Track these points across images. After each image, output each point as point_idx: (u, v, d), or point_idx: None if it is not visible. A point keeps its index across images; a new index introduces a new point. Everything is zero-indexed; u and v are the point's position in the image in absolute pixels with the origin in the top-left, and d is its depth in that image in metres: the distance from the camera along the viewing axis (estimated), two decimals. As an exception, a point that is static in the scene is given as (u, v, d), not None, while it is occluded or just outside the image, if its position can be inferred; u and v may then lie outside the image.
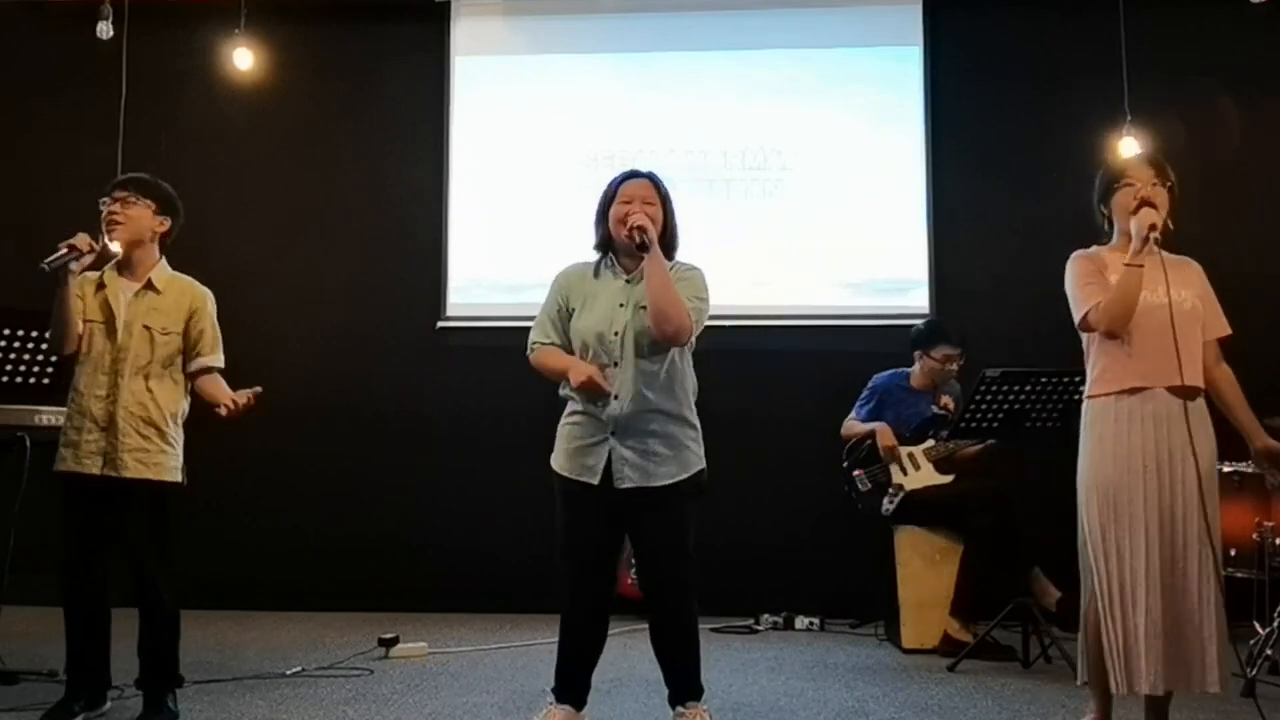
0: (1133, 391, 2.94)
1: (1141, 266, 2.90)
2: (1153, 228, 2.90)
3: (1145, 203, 2.96)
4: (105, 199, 3.34)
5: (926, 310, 5.62)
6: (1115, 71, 5.40)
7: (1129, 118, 5.33)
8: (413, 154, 5.97)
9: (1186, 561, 2.85)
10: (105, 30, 5.30)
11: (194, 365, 3.40)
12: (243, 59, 5.55)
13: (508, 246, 5.90)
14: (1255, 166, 5.52)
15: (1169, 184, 3.05)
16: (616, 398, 3.03)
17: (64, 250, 3.16)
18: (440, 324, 5.89)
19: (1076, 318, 3.02)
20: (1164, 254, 3.03)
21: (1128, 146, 5.27)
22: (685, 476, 3.09)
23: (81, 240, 3.20)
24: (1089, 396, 3.04)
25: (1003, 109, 5.72)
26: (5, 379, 3.74)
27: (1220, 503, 4.24)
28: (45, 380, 3.75)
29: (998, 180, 5.62)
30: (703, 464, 3.15)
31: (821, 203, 5.79)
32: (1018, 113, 5.67)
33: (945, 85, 5.80)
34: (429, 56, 6.02)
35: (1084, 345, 3.09)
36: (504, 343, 5.80)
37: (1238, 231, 5.42)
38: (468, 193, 5.96)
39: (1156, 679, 2.82)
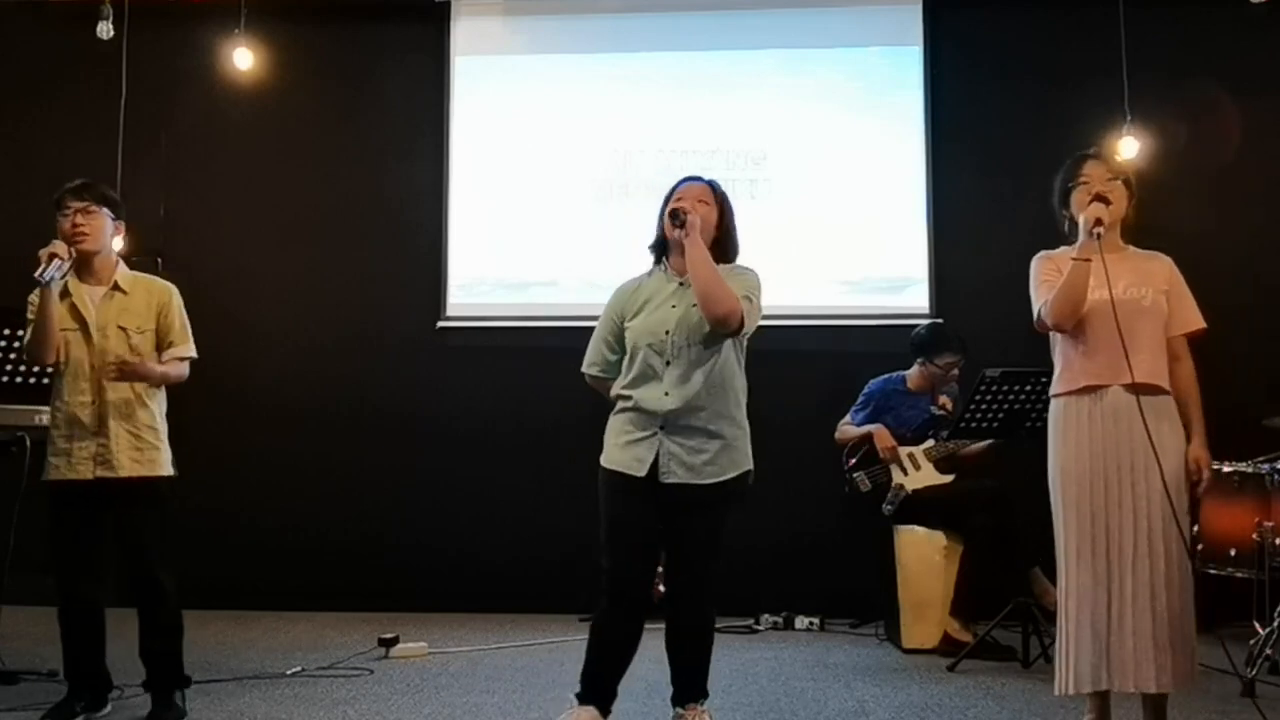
0: (1088, 390, 2.94)
1: (1088, 261, 2.89)
2: (1099, 222, 2.90)
3: (1097, 198, 2.95)
4: (65, 209, 3.34)
5: (926, 310, 5.62)
6: (1115, 71, 5.40)
7: (1129, 117, 5.32)
8: (413, 154, 5.97)
9: (1152, 559, 2.83)
10: (105, 30, 5.29)
11: (167, 355, 3.41)
12: (243, 59, 5.54)
13: (510, 245, 5.89)
14: (1255, 166, 5.51)
15: (1124, 178, 3.04)
16: (668, 395, 3.04)
17: (55, 261, 3.19)
18: (440, 324, 5.89)
19: (1034, 317, 3.04)
20: (1132, 249, 3.04)
21: (1128, 146, 5.28)
22: (732, 475, 3.08)
23: (62, 248, 3.24)
24: (1053, 395, 3.05)
25: (1003, 109, 5.71)
26: (5, 379, 3.74)
27: (1220, 503, 4.29)
28: (45, 380, 3.75)
29: (998, 180, 5.62)
30: (750, 465, 3.14)
31: (822, 202, 5.78)
32: (1018, 112, 5.66)
33: (945, 85, 5.80)
34: (429, 56, 6.02)
35: (1050, 343, 3.10)
36: (504, 343, 5.83)
37: (1238, 231, 5.43)
38: (468, 192, 5.95)
39: (1110, 676, 2.83)
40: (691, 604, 3.12)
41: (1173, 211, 5.12)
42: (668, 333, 3.07)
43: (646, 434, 3.06)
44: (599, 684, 3.09)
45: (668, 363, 3.06)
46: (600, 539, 3.13)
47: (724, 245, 3.18)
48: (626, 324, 3.15)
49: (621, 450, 3.10)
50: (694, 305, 3.06)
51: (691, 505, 3.05)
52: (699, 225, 3.05)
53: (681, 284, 3.13)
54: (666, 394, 3.04)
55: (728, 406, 3.09)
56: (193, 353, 3.47)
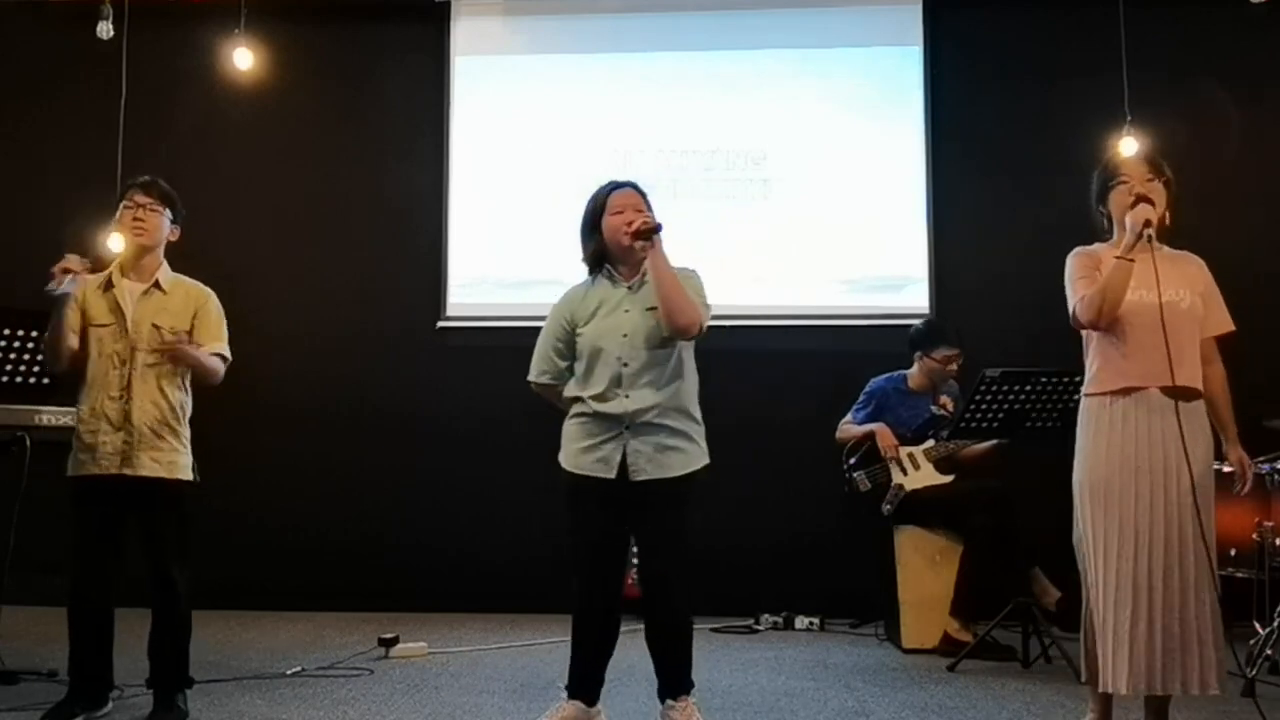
0: (1126, 392, 2.92)
1: (1132, 261, 2.88)
2: (1147, 224, 2.89)
3: (1140, 199, 2.94)
4: (128, 201, 3.38)
5: (926, 310, 5.62)
6: (1115, 71, 5.40)
7: (1129, 117, 5.32)
8: (413, 153, 5.97)
9: (1182, 563, 2.83)
10: (105, 30, 5.30)
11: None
12: (243, 59, 5.55)
13: (510, 245, 5.90)
14: (1255, 166, 5.52)
15: (1165, 178, 3.04)
16: (629, 397, 3.09)
17: (62, 277, 3.19)
18: (440, 324, 5.89)
19: (1070, 313, 3.03)
20: (1166, 249, 3.03)
21: (1128, 146, 5.27)
22: (695, 468, 3.16)
23: (74, 262, 3.23)
24: (1085, 394, 3.04)
25: (1003, 109, 5.72)
26: (5, 379, 3.75)
27: (1220, 503, 4.28)
28: (45, 380, 3.75)
29: (997, 180, 5.62)
30: (707, 459, 3.22)
31: (822, 203, 5.78)
32: (1018, 112, 5.67)
33: (945, 85, 5.80)
34: (429, 56, 6.02)
35: (1084, 342, 3.09)
36: (504, 342, 5.81)
37: (1238, 231, 5.42)
38: (468, 192, 5.96)
39: (1145, 678, 2.82)
40: (666, 601, 3.16)
41: (1172, 206, 5.13)
42: (624, 336, 3.13)
43: (610, 435, 3.12)
44: (584, 678, 3.21)
45: (625, 364, 3.11)
46: (568, 541, 3.18)
47: None
48: (579, 331, 3.20)
49: (585, 454, 3.16)
50: (648, 310, 3.13)
51: (659, 501, 3.11)
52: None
53: (630, 289, 3.19)
54: (627, 396, 3.10)
55: (683, 403, 3.17)
56: (228, 353, 3.48)
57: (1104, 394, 2.96)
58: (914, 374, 4.94)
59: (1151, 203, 2.94)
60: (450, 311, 5.91)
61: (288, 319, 5.83)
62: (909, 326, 5.12)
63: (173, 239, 3.48)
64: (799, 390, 5.50)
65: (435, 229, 5.91)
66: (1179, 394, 2.88)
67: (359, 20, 6.05)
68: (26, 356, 3.71)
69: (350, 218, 5.94)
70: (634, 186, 3.26)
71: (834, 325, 5.71)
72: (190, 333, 3.41)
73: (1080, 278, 3.00)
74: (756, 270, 5.71)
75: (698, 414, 3.21)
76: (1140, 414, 2.90)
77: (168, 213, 3.43)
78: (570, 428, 3.22)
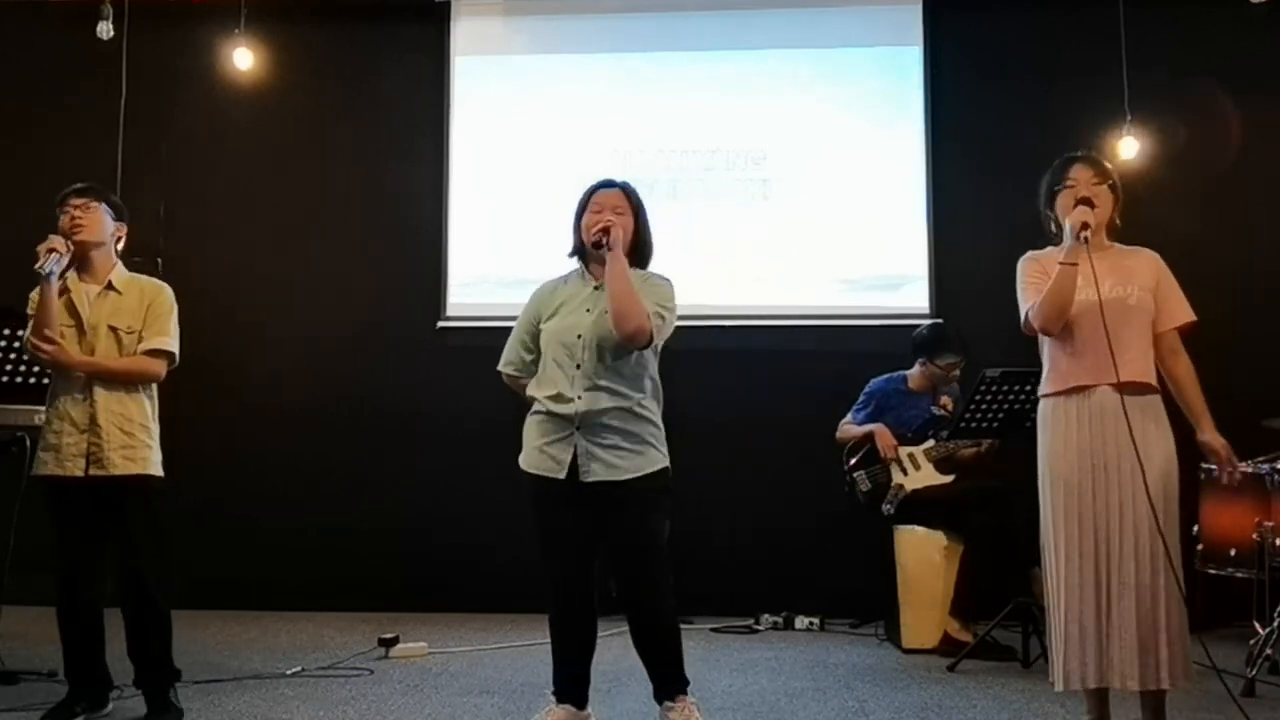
0: (1076, 390, 2.95)
1: (1075, 265, 2.90)
2: (1085, 226, 2.91)
3: (1082, 201, 2.96)
4: (64, 208, 3.37)
5: (926, 309, 5.62)
6: (1115, 71, 5.40)
7: (1129, 117, 5.33)
8: (413, 153, 5.97)
9: (1138, 559, 2.84)
10: (105, 30, 5.29)
11: (140, 348, 3.37)
12: (243, 59, 5.55)
13: (510, 244, 5.89)
14: (1255, 166, 5.51)
15: (1110, 181, 3.05)
16: (580, 398, 3.07)
17: (54, 255, 3.22)
18: (440, 324, 5.89)
19: (1021, 319, 3.05)
20: (1118, 246, 3.05)
21: (1128, 146, 5.28)
22: (649, 472, 3.11)
23: (59, 242, 3.26)
24: (1041, 395, 3.07)
25: (1003, 108, 5.71)
26: (5, 379, 3.74)
27: (1220, 503, 4.29)
28: (45, 380, 3.75)
29: (998, 179, 5.60)
30: (666, 462, 3.17)
31: (822, 202, 5.78)
32: (1018, 112, 5.66)
33: (945, 85, 5.80)
34: (429, 56, 6.02)
35: (1039, 345, 3.11)
36: (504, 342, 5.81)
37: (1237, 231, 5.43)
38: (468, 192, 5.96)
39: (1105, 674, 2.84)
40: (644, 603, 3.14)
41: (1172, 211, 5.13)
42: (579, 336, 3.11)
43: (562, 435, 3.09)
44: (570, 680, 3.20)
45: (578, 365, 3.10)
46: (538, 545, 3.17)
47: (639, 251, 3.22)
48: (541, 325, 3.20)
49: (539, 453, 3.14)
50: (606, 311, 3.09)
51: (615, 503, 3.08)
52: (622, 240, 3.10)
53: (597, 288, 3.17)
54: (579, 397, 3.07)
55: (640, 406, 3.13)
56: (168, 347, 3.40)
57: (1056, 394, 3.00)
58: (914, 375, 4.94)
59: (1092, 205, 2.96)
60: (450, 311, 5.91)
61: (288, 319, 5.83)
62: (908, 326, 5.13)
63: (119, 235, 3.47)
64: (799, 390, 5.50)
65: (435, 229, 5.91)
66: (1127, 389, 2.89)
67: (359, 20, 6.05)
68: (26, 356, 3.71)
69: (350, 218, 5.94)
70: (621, 187, 3.23)
71: (834, 325, 5.70)
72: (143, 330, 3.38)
73: (1029, 284, 3.04)
74: (756, 270, 5.71)
75: (656, 418, 3.17)
76: (1093, 411, 2.92)
77: (106, 208, 3.41)
78: (528, 425, 3.21)
